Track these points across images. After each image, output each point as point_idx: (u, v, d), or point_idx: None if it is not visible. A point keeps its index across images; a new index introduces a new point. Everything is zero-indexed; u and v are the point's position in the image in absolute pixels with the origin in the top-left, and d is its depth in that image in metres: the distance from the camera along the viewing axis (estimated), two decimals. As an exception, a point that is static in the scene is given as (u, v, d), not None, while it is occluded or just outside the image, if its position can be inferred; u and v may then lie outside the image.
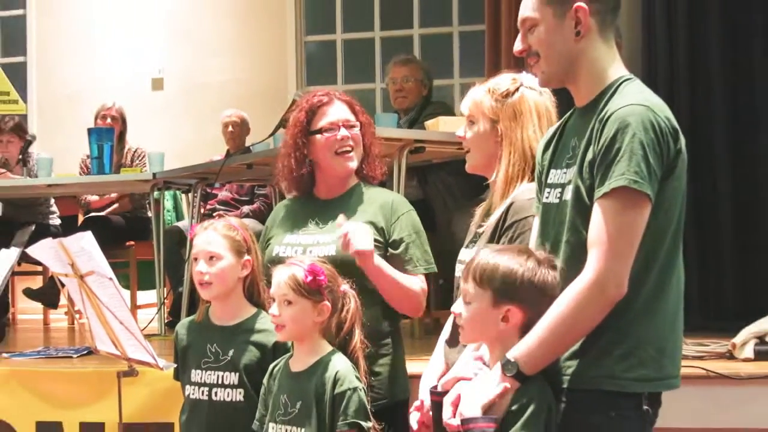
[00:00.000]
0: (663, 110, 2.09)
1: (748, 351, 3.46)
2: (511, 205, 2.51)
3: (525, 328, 2.13)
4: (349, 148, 2.98)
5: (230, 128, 6.21)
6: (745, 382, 3.18)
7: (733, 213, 5.10)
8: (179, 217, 6.35)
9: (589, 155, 2.10)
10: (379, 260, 2.80)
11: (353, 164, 3.00)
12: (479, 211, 2.73)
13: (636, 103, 2.07)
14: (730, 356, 3.50)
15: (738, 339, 3.52)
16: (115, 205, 6.21)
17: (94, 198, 6.20)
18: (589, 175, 2.09)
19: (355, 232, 2.71)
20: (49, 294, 5.83)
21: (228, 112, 6.30)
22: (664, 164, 2.06)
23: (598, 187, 2.06)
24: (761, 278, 5.00)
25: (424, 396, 2.53)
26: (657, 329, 2.11)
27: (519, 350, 2.08)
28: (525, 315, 2.13)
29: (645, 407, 2.11)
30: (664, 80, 5.16)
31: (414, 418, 2.42)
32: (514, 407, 2.07)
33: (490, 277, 2.13)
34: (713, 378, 3.20)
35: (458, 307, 2.21)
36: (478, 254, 2.19)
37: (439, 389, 2.28)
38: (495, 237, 2.52)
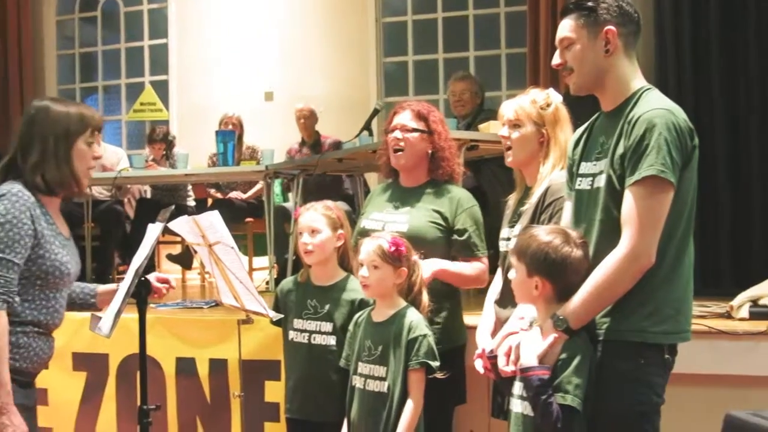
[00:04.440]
0: (681, 114, 2.08)
1: (744, 312, 3.37)
2: (548, 187, 2.50)
3: (558, 295, 2.11)
4: (399, 148, 2.93)
5: (302, 120, 6.17)
6: (741, 338, 3.11)
7: (730, 197, 5.06)
8: (285, 199, 6.37)
9: (620, 150, 2.07)
10: (441, 265, 2.79)
11: (402, 161, 2.94)
12: (513, 196, 2.73)
13: (660, 107, 2.05)
14: (728, 316, 3.40)
15: (735, 302, 3.44)
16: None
17: (240, 195, 6.25)
18: (620, 167, 2.07)
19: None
20: (185, 258, 5.92)
21: (299, 105, 6.25)
22: (683, 158, 2.04)
23: (630, 176, 2.03)
24: (753, 251, 4.95)
25: (481, 344, 2.51)
26: (675, 293, 2.09)
27: (567, 309, 2.07)
28: (551, 286, 2.11)
29: (666, 356, 2.09)
30: (674, 84, 5.11)
31: (479, 364, 2.38)
32: (563, 356, 2.04)
33: (523, 253, 2.13)
34: (714, 334, 3.13)
35: (512, 274, 2.20)
36: (521, 232, 2.19)
37: (489, 353, 2.25)
38: (536, 213, 2.51)
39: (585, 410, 2.03)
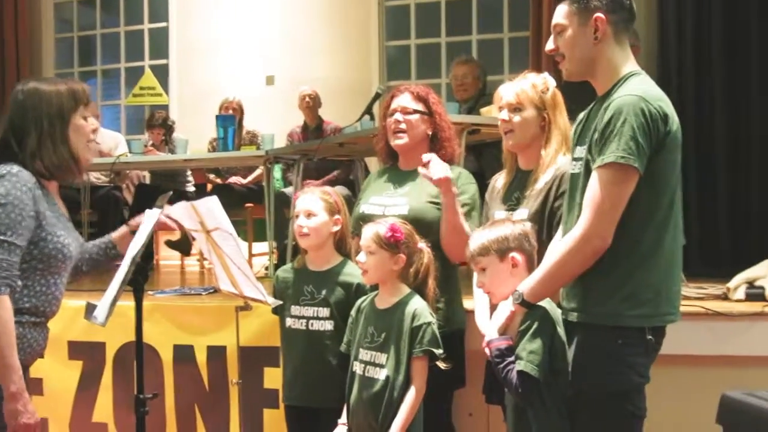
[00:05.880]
0: (656, 100, 2.08)
1: (740, 293, 3.41)
2: (562, 174, 2.52)
3: (530, 266, 2.26)
4: (400, 130, 2.93)
5: (307, 99, 6.13)
6: (737, 319, 3.14)
7: (727, 185, 5.14)
8: (285, 185, 6.38)
9: (596, 135, 2.11)
10: (454, 193, 2.75)
11: (401, 142, 2.94)
12: (501, 178, 2.75)
13: (632, 93, 2.08)
14: (725, 297, 3.45)
15: (732, 283, 3.47)
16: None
17: (239, 180, 6.25)
18: (594, 152, 2.12)
19: (436, 163, 2.68)
20: (184, 244, 5.89)
21: (304, 88, 6.22)
22: (653, 143, 2.05)
23: (595, 160, 2.09)
24: (750, 235, 5.04)
25: (483, 328, 2.53)
26: (654, 276, 2.11)
27: (524, 285, 2.17)
28: (524, 256, 2.27)
29: (649, 336, 2.12)
30: (675, 72, 5.17)
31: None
32: (522, 327, 2.16)
33: (487, 248, 2.29)
34: (712, 315, 3.17)
35: (480, 281, 2.34)
36: (471, 241, 2.35)
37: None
38: (549, 200, 2.55)
39: (557, 380, 2.13)
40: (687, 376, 3.03)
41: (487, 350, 2.21)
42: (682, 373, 2.99)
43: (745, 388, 1.96)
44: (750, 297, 3.36)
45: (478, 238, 2.34)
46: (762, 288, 3.36)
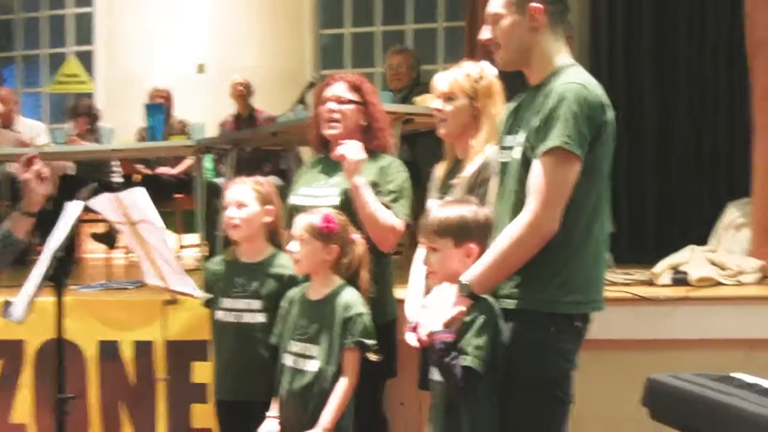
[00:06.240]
0: (595, 89, 2.12)
1: (665, 278, 3.47)
2: (486, 163, 2.54)
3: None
4: (334, 119, 2.92)
5: (239, 88, 6.05)
6: (662, 303, 3.21)
7: (655, 175, 5.28)
8: (217, 175, 6.29)
9: (534, 123, 2.12)
10: (362, 182, 2.74)
11: (334, 132, 2.92)
12: (441, 167, 2.77)
13: (574, 81, 2.10)
14: (651, 283, 3.51)
15: (657, 269, 3.54)
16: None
17: (168, 170, 6.14)
18: (534, 139, 2.11)
19: (352, 146, 2.67)
20: (109, 237, 5.80)
21: (236, 77, 6.13)
22: (593, 132, 2.08)
23: (538, 147, 2.09)
24: (675, 222, 5.17)
25: (409, 317, 2.53)
26: (585, 264, 2.15)
27: (470, 275, 2.13)
28: (480, 249, 2.19)
29: (577, 323, 2.16)
30: (606, 65, 5.24)
31: (411, 338, 2.40)
32: (466, 319, 2.12)
33: (447, 228, 2.21)
34: (638, 300, 3.23)
35: (428, 260, 2.27)
36: (429, 213, 2.26)
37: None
38: (472, 187, 2.55)
39: (493, 373, 2.12)
40: (614, 361, 3.09)
41: (417, 339, 2.17)
42: (609, 357, 3.05)
43: (669, 371, 2.02)
44: (675, 282, 3.42)
45: (439, 213, 2.26)
46: (686, 273, 3.44)
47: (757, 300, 3.22)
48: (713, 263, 3.51)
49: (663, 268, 3.51)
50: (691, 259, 3.55)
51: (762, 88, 3.72)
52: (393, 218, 2.82)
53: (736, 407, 1.63)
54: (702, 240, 4.01)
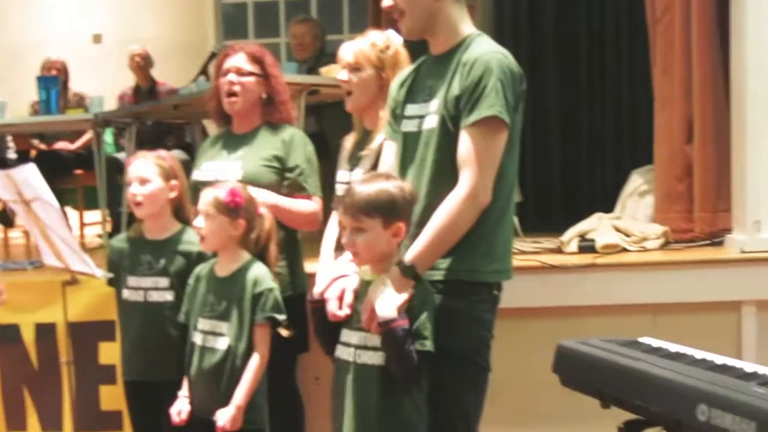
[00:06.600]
0: (512, 58, 2.14)
1: (573, 246, 3.54)
2: None
3: (411, 236, 2.13)
4: (233, 92, 2.86)
5: (137, 59, 5.83)
6: (570, 271, 3.27)
7: (560, 143, 5.38)
8: (118, 150, 6.10)
9: (454, 91, 2.10)
10: (269, 196, 2.72)
11: (237, 106, 2.87)
12: (351, 138, 2.74)
13: (495, 51, 2.11)
14: (559, 251, 3.58)
15: (565, 237, 3.61)
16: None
17: (67, 145, 5.88)
18: (454, 108, 2.10)
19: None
20: (5, 216, 5.58)
21: (134, 47, 5.91)
22: (516, 100, 2.10)
23: (467, 116, 2.07)
24: (581, 191, 5.31)
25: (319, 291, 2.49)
26: (504, 234, 2.18)
27: (412, 255, 2.08)
28: (407, 226, 2.13)
29: (495, 292, 2.19)
30: (511, 36, 5.30)
31: (333, 306, 2.21)
32: (414, 302, 2.05)
33: (375, 207, 2.08)
34: (547, 269, 3.28)
35: (351, 240, 2.11)
36: (353, 190, 2.11)
37: (316, 296, 2.23)
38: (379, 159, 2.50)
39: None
40: (525, 329, 3.14)
41: (383, 331, 2.02)
42: (520, 325, 3.10)
43: (579, 337, 2.06)
44: (582, 249, 3.49)
45: (365, 190, 2.09)
46: (593, 240, 3.51)
47: (662, 265, 3.32)
48: (618, 230, 3.59)
49: (571, 236, 3.57)
50: (598, 226, 3.62)
51: (662, 61, 3.82)
52: (309, 204, 2.83)
53: (644, 371, 1.67)
54: (608, 208, 4.09)
